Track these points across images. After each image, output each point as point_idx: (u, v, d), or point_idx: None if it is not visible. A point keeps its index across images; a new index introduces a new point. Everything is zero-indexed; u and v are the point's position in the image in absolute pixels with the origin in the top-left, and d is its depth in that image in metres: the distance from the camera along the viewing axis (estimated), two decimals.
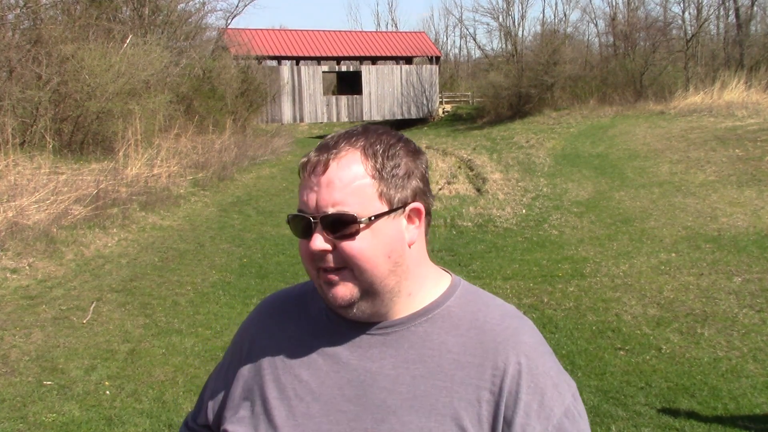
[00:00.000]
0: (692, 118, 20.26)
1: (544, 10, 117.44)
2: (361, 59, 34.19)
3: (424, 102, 35.16)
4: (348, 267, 1.02)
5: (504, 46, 39.07)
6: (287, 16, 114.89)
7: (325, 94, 34.16)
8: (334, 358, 1.07)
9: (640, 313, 5.98)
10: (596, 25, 44.65)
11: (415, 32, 38.86)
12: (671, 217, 9.84)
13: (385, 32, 41.30)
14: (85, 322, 5.95)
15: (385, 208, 1.02)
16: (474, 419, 1.00)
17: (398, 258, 1.04)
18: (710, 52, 31.55)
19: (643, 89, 26.78)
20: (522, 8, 69.17)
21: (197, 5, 26.66)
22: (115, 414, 4.25)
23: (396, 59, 35.33)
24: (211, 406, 1.19)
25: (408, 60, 35.43)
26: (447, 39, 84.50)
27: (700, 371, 4.74)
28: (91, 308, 6.28)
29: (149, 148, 14.20)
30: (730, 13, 32.85)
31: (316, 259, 1.03)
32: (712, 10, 33.68)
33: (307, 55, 32.92)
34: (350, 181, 1.00)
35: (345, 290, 1.03)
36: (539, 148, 19.58)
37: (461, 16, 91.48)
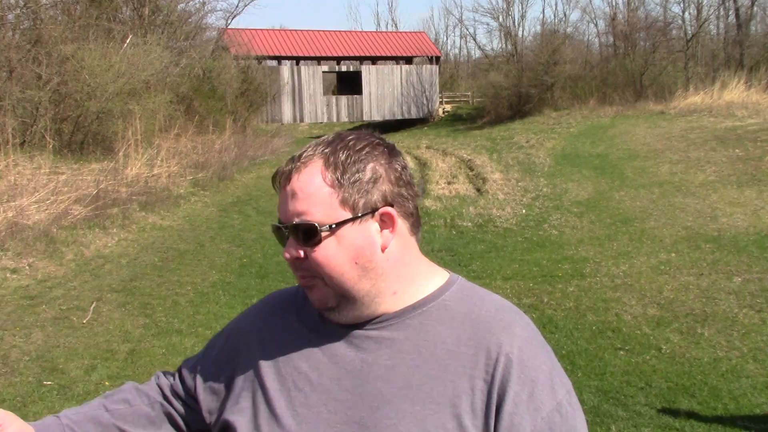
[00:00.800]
0: (692, 118, 20.26)
1: (544, 10, 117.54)
2: (361, 59, 34.18)
3: (424, 102, 35.15)
4: (316, 275, 1.05)
5: (504, 46, 39.09)
6: (287, 16, 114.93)
7: (325, 94, 34.15)
8: (331, 350, 1.09)
9: (640, 313, 5.98)
10: (596, 25, 44.62)
11: (415, 32, 38.86)
12: (671, 217, 9.84)
13: (385, 32, 41.31)
14: (85, 322, 5.95)
15: (349, 215, 1.03)
16: (468, 408, 1.01)
17: (367, 263, 1.04)
18: (710, 52, 31.54)
19: (643, 89, 26.79)
20: (522, 8, 69.24)
21: (197, 5, 26.69)
22: None
23: (396, 59, 35.32)
24: (200, 385, 1.22)
25: (408, 60, 35.42)
26: (447, 39, 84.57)
27: (700, 371, 4.74)
28: (91, 308, 6.28)
29: (149, 148, 14.20)
30: (730, 13, 32.85)
31: (293, 266, 1.07)
32: (712, 10, 33.68)
33: (307, 55, 32.91)
34: (312, 192, 1.03)
35: (320, 295, 1.06)
36: (539, 148, 19.56)
37: (461, 16, 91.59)
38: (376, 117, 34.21)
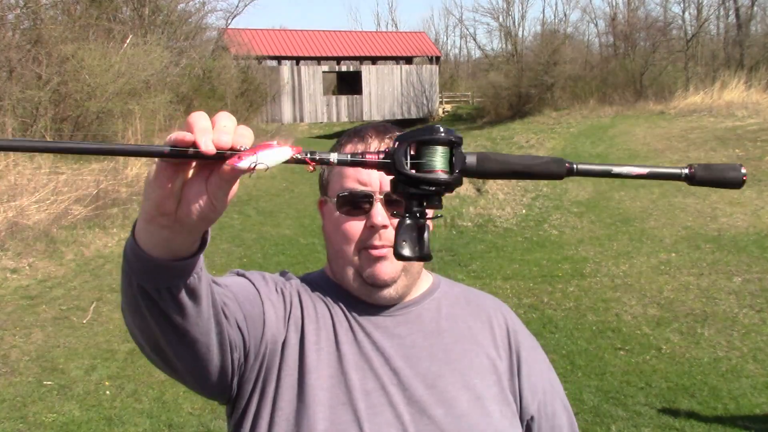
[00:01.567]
0: (692, 118, 20.25)
1: (544, 10, 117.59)
2: (361, 59, 34.16)
3: (424, 102, 35.13)
4: None
5: (504, 46, 39.05)
6: (287, 16, 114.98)
7: (325, 94, 34.12)
8: (371, 337, 1.13)
9: (640, 313, 5.98)
10: (596, 25, 44.61)
11: (415, 32, 38.84)
12: (671, 217, 9.84)
13: (385, 32, 41.30)
14: (85, 322, 5.95)
15: None
16: (502, 369, 1.18)
17: None
18: (710, 52, 31.52)
19: (643, 89, 26.76)
20: (522, 8, 68.99)
21: (197, 5, 26.68)
22: (115, 414, 4.25)
23: (396, 59, 35.30)
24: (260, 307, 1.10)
25: (408, 60, 35.40)
26: (447, 39, 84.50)
27: (700, 371, 4.74)
28: (91, 308, 6.28)
29: None
30: (730, 13, 32.85)
31: (367, 236, 1.12)
32: (712, 10, 33.68)
33: (307, 55, 32.90)
34: None
35: (391, 267, 1.13)
36: (539, 148, 19.56)
37: (461, 16, 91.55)
38: (376, 117, 34.18)
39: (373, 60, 34.87)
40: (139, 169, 12.85)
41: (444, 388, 1.11)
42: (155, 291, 0.83)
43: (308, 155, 0.75)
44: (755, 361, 4.87)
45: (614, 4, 49.79)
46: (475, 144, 23.36)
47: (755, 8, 32.04)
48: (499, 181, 14.45)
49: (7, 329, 5.72)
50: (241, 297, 1.04)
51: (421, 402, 1.09)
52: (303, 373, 1.07)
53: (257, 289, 1.09)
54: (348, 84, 35.04)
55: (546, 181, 15.45)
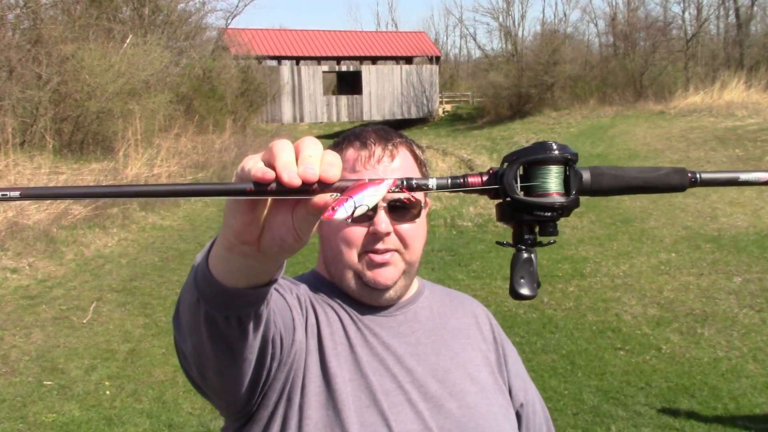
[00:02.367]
0: (692, 118, 20.24)
1: (544, 10, 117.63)
2: (361, 59, 34.16)
3: (424, 102, 35.12)
4: (398, 249, 1.13)
5: (504, 46, 39.03)
6: (287, 16, 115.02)
7: (325, 94, 34.12)
8: (379, 337, 1.14)
9: (640, 313, 5.98)
10: (596, 25, 44.59)
11: (415, 32, 38.83)
12: (671, 217, 9.84)
13: (385, 32, 41.29)
14: (85, 322, 5.95)
15: (424, 201, 1.20)
16: (493, 361, 1.24)
17: (424, 246, 1.20)
18: (710, 52, 31.51)
19: (643, 89, 26.75)
20: (522, 8, 68.89)
21: (197, 5, 26.68)
22: (115, 414, 4.25)
23: (396, 59, 35.30)
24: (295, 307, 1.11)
25: (408, 60, 35.39)
26: (447, 39, 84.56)
27: (700, 371, 4.74)
28: (91, 308, 6.28)
29: (149, 148, 14.22)
30: (730, 13, 32.84)
31: (369, 241, 1.12)
32: (712, 10, 33.66)
33: (307, 55, 32.90)
34: (411, 172, 1.16)
35: (393, 271, 1.14)
36: None
37: (461, 16, 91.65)
38: (376, 117, 34.18)
39: (373, 60, 34.87)
40: (139, 169, 12.86)
41: (453, 382, 1.15)
42: (224, 319, 0.80)
43: (404, 184, 0.67)
44: (755, 361, 4.87)
45: (614, 4, 49.81)
46: (475, 144, 23.37)
47: (755, 8, 32.05)
48: None
49: (7, 329, 5.72)
50: (279, 305, 1.01)
51: (436, 397, 1.11)
52: (327, 379, 1.06)
53: (282, 295, 1.06)
54: (348, 84, 35.03)
55: None
